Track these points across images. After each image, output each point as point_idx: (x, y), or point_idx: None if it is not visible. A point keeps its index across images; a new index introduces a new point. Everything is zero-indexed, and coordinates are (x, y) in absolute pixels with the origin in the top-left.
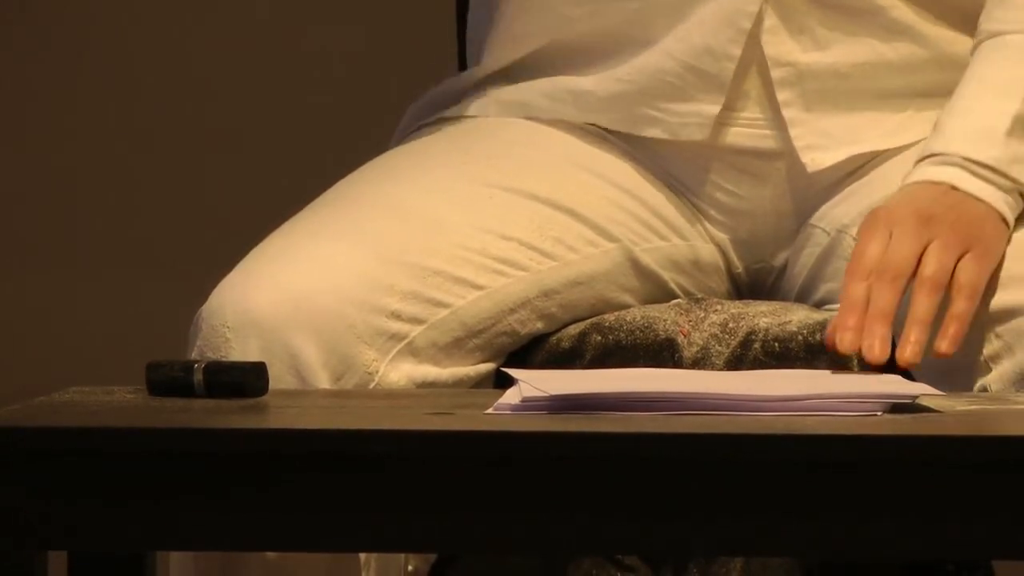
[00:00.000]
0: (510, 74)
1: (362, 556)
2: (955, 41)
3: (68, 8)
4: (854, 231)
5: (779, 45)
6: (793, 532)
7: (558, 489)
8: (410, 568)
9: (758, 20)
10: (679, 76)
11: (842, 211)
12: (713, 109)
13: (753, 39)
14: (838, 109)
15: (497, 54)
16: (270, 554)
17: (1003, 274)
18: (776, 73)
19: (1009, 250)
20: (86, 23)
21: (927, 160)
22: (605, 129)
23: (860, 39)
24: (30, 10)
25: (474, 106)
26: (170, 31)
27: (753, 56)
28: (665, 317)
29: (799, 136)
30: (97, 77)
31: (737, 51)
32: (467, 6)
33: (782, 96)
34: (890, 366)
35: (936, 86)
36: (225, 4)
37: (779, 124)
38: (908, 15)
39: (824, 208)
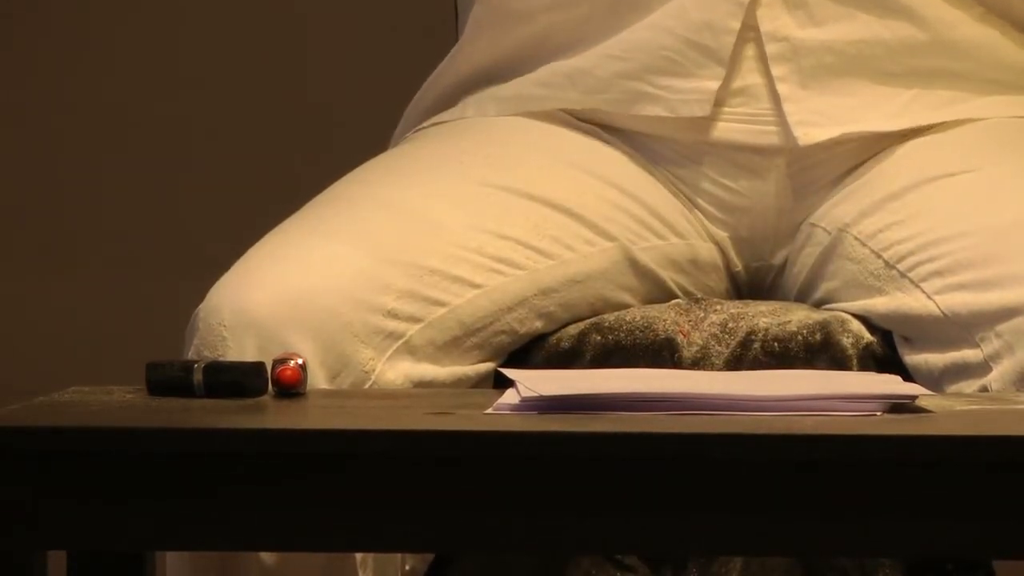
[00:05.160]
0: (503, 68)
1: (359, 556)
2: (955, 26)
3: (67, 8)
4: (855, 230)
5: (775, 20)
6: (793, 532)
7: (558, 489)
8: (407, 568)
9: None
10: (679, 52)
11: (843, 210)
12: (713, 85)
13: (749, 14)
14: (833, 89)
15: (488, 36)
16: (267, 553)
17: (1003, 273)
18: (771, 48)
19: (1008, 249)
20: (86, 23)
21: None
22: (602, 127)
23: (857, 17)
24: (31, 9)
25: (471, 107)
26: (169, 31)
27: (749, 30)
28: (665, 317)
29: (793, 112)
30: (96, 77)
31: (736, 24)
32: None
33: (776, 71)
34: (890, 366)
35: (934, 71)
36: (225, 4)
37: (777, 112)
38: None
39: (825, 207)
